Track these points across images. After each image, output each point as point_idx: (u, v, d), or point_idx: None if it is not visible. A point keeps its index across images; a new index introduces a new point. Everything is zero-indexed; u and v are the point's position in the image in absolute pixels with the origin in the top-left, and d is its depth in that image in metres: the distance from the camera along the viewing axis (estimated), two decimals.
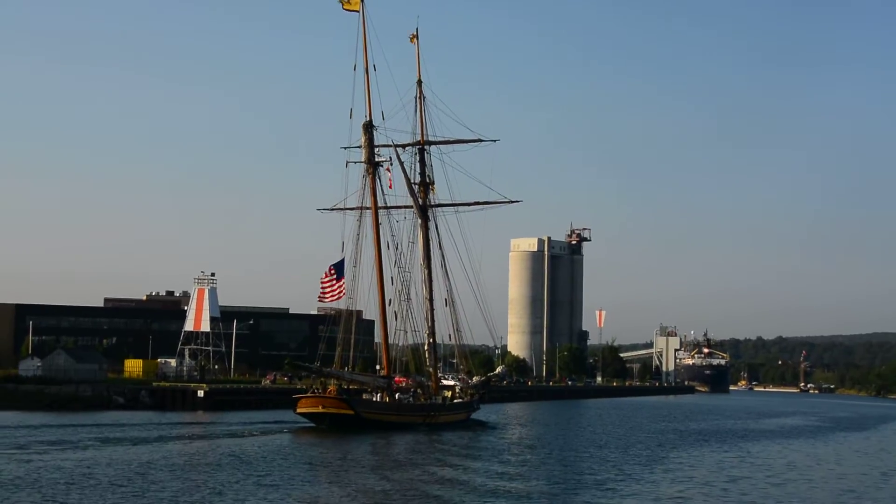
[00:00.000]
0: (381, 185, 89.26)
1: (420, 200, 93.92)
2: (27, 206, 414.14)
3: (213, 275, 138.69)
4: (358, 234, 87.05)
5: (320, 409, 78.77)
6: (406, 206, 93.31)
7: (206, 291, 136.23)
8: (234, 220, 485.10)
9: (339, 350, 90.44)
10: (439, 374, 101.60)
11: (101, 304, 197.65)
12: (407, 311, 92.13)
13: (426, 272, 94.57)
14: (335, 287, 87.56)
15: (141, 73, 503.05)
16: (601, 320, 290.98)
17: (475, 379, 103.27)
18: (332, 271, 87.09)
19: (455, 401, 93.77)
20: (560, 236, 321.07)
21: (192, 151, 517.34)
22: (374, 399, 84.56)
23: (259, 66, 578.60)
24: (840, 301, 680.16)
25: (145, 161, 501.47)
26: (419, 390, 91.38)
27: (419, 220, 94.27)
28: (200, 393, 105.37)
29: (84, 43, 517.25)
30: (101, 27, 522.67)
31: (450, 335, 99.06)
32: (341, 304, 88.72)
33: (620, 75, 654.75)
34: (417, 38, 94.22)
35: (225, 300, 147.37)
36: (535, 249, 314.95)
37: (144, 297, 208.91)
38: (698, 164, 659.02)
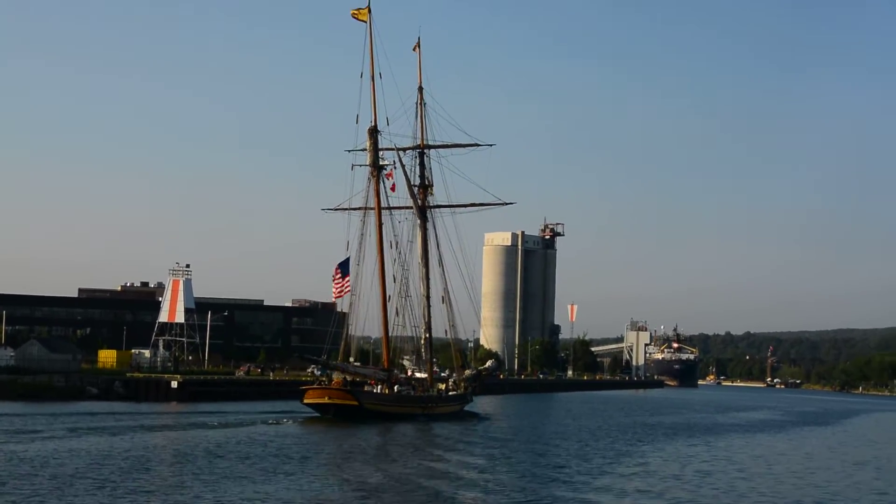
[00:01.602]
0: (385, 188, 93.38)
1: (419, 202, 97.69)
2: (1, 194, 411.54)
3: (188, 266, 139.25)
4: (362, 234, 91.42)
5: (326, 400, 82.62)
6: (406, 207, 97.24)
7: (181, 282, 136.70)
8: (208, 212, 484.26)
9: (343, 344, 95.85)
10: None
11: (75, 294, 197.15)
12: (406, 307, 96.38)
13: (424, 270, 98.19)
14: (342, 284, 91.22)
15: (145, 71, 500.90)
16: (573, 314, 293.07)
17: (467, 372, 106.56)
18: (338, 271, 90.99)
19: (450, 393, 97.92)
20: (534, 231, 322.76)
21: (173, 144, 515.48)
22: (376, 391, 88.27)
23: (257, 65, 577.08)
24: (807, 298, 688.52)
25: (122, 151, 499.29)
26: (414, 383, 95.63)
27: (418, 221, 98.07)
28: (174, 384, 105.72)
29: (83, 44, 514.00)
30: (113, 33, 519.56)
31: (446, 331, 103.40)
32: (345, 301, 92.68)
33: (605, 69, 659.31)
34: (419, 47, 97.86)
35: (199, 291, 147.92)
36: (509, 244, 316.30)
37: (119, 288, 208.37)
38: (676, 163, 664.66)
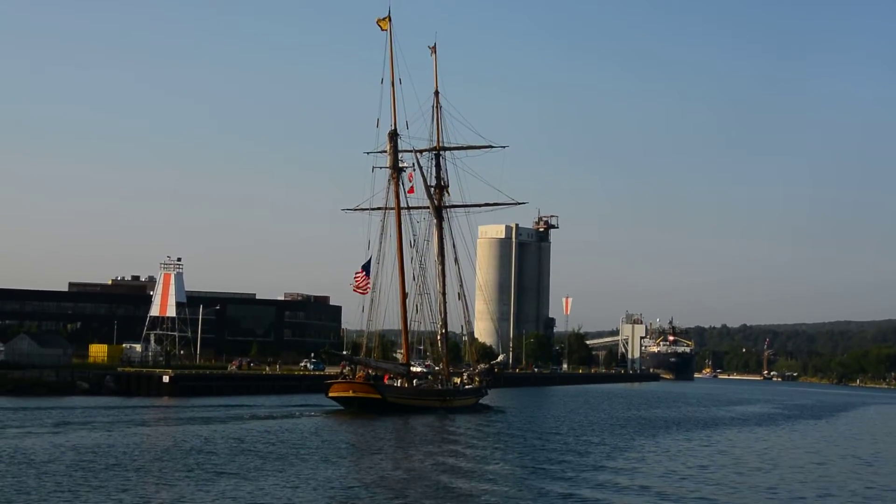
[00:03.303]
0: (404, 189, 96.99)
1: (436, 202, 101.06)
2: None
3: (179, 259, 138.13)
4: (381, 233, 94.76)
5: (351, 394, 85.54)
6: (423, 207, 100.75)
7: (173, 276, 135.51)
8: (200, 206, 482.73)
9: (365, 339, 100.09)
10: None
11: (65, 288, 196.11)
12: (423, 303, 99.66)
13: (440, 268, 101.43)
14: (364, 282, 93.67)
15: (150, 70, 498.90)
16: (568, 307, 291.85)
17: (480, 366, 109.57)
18: (363, 270, 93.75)
19: (466, 387, 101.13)
20: (527, 223, 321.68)
21: (164, 138, 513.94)
22: (396, 384, 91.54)
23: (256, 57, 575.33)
24: (804, 291, 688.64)
25: (112, 144, 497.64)
26: (430, 376, 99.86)
27: (434, 220, 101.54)
28: (166, 378, 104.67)
29: (90, 42, 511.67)
30: (114, 27, 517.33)
31: (461, 326, 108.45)
32: (366, 298, 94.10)
33: (607, 63, 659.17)
34: (436, 52, 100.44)
35: (191, 285, 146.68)
36: (503, 236, 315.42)
37: (110, 282, 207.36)
38: (672, 155, 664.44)
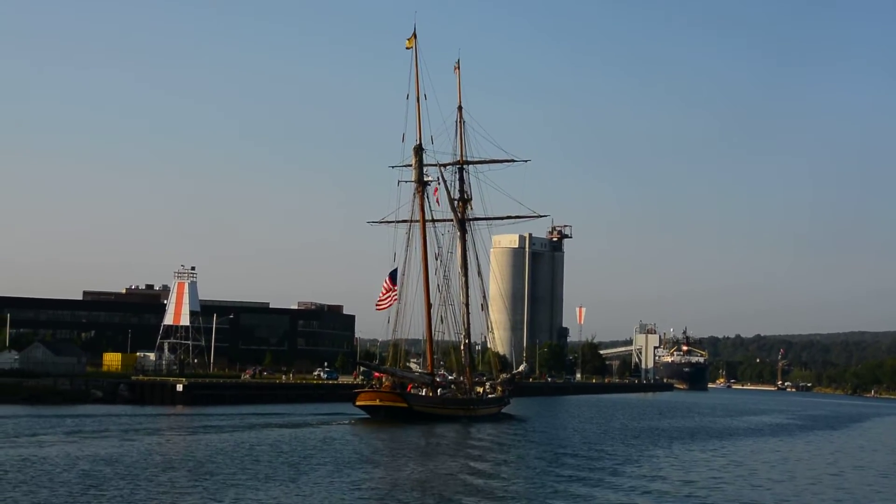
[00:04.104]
0: (429, 202, 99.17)
1: (459, 214, 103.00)
2: (7, 197, 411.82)
3: (193, 268, 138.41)
4: (407, 245, 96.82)
5: (378, 403, 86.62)
6: (447, 220, 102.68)
7: (186, 285, 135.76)
8: (214, 215, 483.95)
9: (391, 349, 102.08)
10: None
11: (80, 297, 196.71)
12: (448, 314, 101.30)
13: (463, 279, 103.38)
14: (391, 294, 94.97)
15: (153, 71, 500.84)
16: (581, 317, 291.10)
17: (502, 376, 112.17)
18: (390, 280, 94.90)
19: (489, 396, 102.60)
20: (541, 233, 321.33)
21: (178, 146, 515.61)
22: (421, 393, 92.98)
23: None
24: (818, 301, 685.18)
25: (127, 152, 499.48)
26: (453, 386, 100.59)
27: (458, 233, 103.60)
28: (179, 387, 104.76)
29: (87, 41, 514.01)
30: (116, 28, 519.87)
31: (483, 336, 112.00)
32: (391, 308, 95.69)
33: (613, 69, 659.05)
34: (459, 68, 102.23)
35: (205, 294, 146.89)
36: (517, 246, 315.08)
37: (124, 291, 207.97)
38: (685, 165, 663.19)
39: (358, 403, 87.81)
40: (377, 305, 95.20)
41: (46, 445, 55.02)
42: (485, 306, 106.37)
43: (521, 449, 64.73)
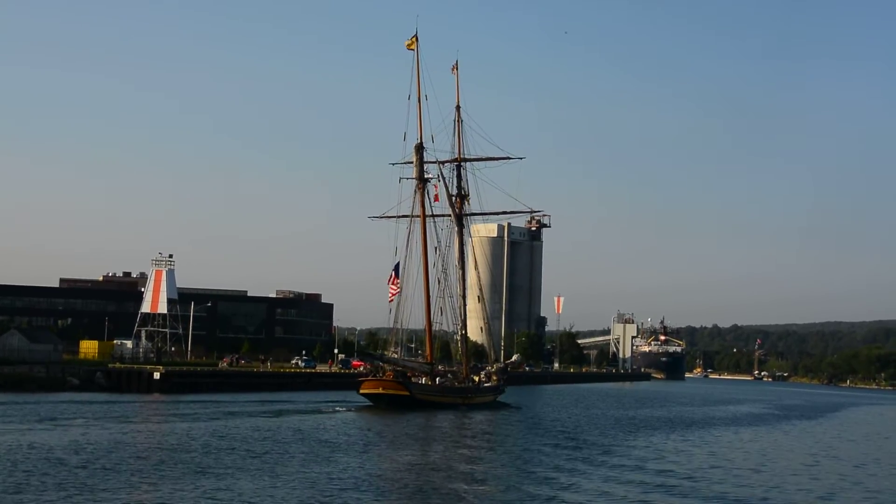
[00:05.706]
0: (429, 198, 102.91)
1: (457, 210, 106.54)
2: None
3: (170, 256, 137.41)
4: (408, 240, 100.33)
5: (380, 391, 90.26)
6: (444, 215, 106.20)
7: (164, 273, 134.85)
8: (192, 203, 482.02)
9: (393, 339, 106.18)
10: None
11: (56, 284, 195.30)
12: (446, 305, 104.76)
13: (460, 273, 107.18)
14: (397, 285, 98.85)
15: (143, 73, 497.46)
16: (559, 307, 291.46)
17: (496, 366, 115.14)
18: (393, 273, 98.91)
19: (485, 385, 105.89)
20: (520, 222, 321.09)
21: (158, 137, 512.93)
22: (421, 382, 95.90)
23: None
24: (795, 291, 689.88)
25: (105, 142, 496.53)
26: (450, 375, 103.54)
27: (455, 228, 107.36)
28: (156, 375, 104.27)
29: (81, 44, 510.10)
30: (112, 30, 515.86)
31: (480, 328, 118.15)
32: (394, 302, 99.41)
33: (606, 64, 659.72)
34: (457, 69, 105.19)
35: (182, 282, 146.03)
36: (495, 235, 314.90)
37: (101, 278, 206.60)
38: (666, 156, 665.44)
39: (361, 392, 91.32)
40: (390, 296, 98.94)
41: (18, 433, 54.46)
42: (481, 298, 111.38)
43: (525, 437, 66.56)
